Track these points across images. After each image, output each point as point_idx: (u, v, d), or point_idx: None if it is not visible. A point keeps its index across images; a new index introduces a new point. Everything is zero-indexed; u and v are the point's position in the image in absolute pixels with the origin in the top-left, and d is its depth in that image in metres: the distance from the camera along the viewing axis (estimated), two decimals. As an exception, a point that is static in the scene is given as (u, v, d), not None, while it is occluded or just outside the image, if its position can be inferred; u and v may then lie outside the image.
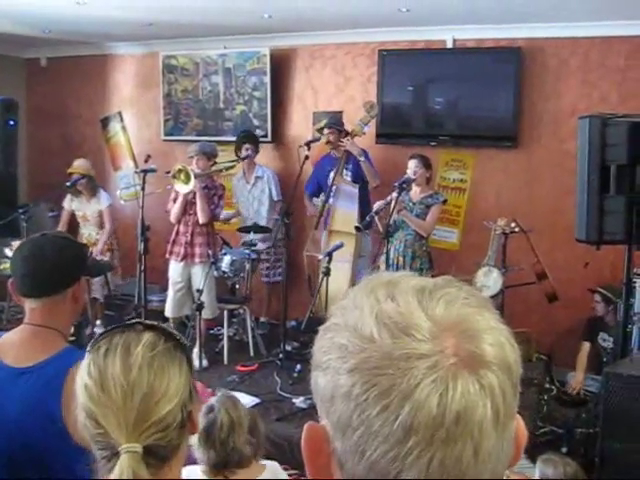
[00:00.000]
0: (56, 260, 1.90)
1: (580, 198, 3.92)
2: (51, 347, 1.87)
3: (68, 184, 6.23)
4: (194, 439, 2.39)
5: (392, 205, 5.21)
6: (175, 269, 5.92)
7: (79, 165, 6.48)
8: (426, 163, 5.58)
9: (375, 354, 0.61)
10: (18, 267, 1.90)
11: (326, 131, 6.22)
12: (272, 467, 2.67)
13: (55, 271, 1.90)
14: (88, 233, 6.54)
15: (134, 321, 1.29)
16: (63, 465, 1.80)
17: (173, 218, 5.84)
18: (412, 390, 0.59)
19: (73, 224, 6.65)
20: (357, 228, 5.56)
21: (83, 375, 1.20)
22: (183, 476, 1.30)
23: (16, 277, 1.90)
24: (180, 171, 5.52)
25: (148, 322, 1.29)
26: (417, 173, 5.48)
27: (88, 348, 1.24)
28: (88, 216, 6.54)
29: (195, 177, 5.49)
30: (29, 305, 1.90)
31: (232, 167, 6.41)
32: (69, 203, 6.60)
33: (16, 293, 1.92)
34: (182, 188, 5.55)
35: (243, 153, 6.51)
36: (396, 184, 5.24)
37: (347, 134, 6.08)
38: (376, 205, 5.36)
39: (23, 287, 1.90)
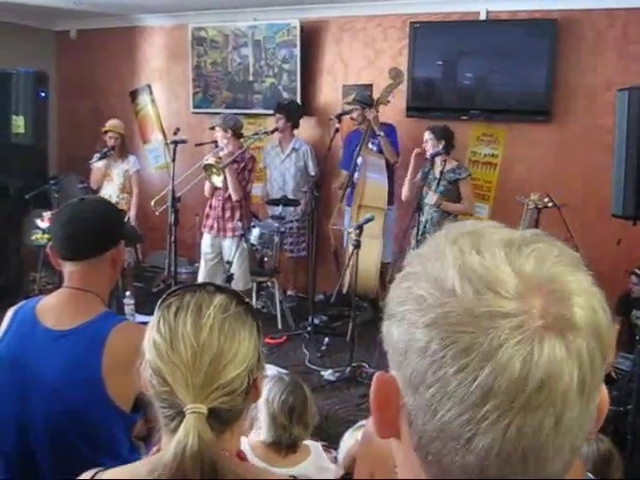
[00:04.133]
0: (96, 223, 1.91)
1: (617, 172, 3.83)
2: (90, 310, 1.88)
3: (96, 157, 6.24)
4: (262, 415, 2.46)
5: (422, 176, 5.19)
6: (206, 240, 6.00)
7: (116, 124, 6.46)
8: (439, 134, 5.49)
9: (456, 309, 0.58)
10: (58, 230, 1.91)
11: (351, 107, 6.15)
12: (316, 450, 2.66)
13: (95, 234, 1.91)
14: (109, 194, 6.31)
15: (204, 282, 1.28)
16: (105, 429, 1.82)
17: (206, 192, 5.92)
18: (494, 351, 0.55)
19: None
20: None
21: (152, 331, 1.19)
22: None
23: (56, 240, 1.91)
24: (207, 168, 5.55)
25: (219, 284, 1.28)
26: (427, 144, 5.45)
27: (157, 304, 1.23)
28: (113, 176, 6.43)
29: (223, 170, 5.53)
30: (68, 269, 1.91)
31: (256, 140, 6.36)
32: (96, 162, 6.40)
33: (55, 257, 1.93)
34: (217, 180, 5.62)
35: (275, 124, 6.46)
36: (428, 156, 5.21)
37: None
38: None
39: (63, 250, 1.90)
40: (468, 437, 0.57)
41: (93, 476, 1.24)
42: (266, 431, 2.48)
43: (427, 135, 5.52)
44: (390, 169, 6.02)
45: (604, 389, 0.63)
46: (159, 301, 1.23)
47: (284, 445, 2.47)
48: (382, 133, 5.88)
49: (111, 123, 6.47)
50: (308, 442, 2.66)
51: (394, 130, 6.13)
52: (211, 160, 5.63)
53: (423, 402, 0.59)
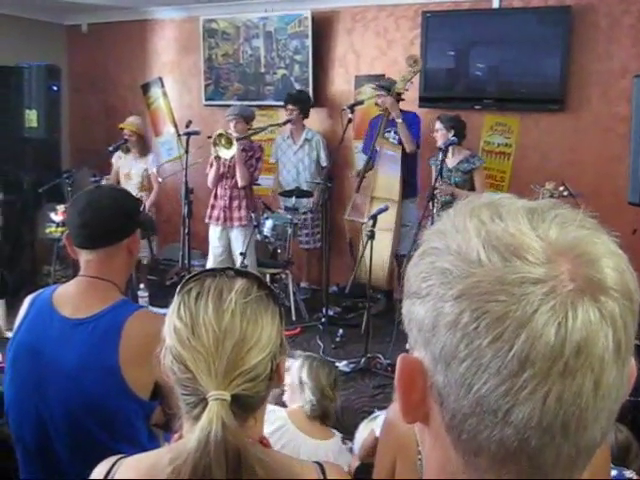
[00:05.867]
0: (112, 211, 1.90)
1: (635, 159, 3.80)
2: (107, 298, 1.87)
3: (111, 148, 6.24)
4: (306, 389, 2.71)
5: (437, 167, 5.16)
6: (214, 233, 5.96)
7: (131, 122, 6.44)
8: (447, 123, 5.44)
9: (485, 278, 0.56)
10: (74, 219, 1.90)
11: (375, 93, 6.04)
12: (338, 435, 2.82)
13: (111, 222, 1.90)
14: None
15: (225, 267, 1.25)
16: (123, 417, 1.81)
17: (210, 183, 5.87)
18: (528, 318, 0.54)
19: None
20: None
21: (172, 317, 1.16)
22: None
23: (72, 229, 1.91)
24: (220, 136, 5.51)
25: (240, 269, 1.25)
26: (437, 134, 5.44)
27: (177, 289, 1.20)
28: (132, 175, 6.40)
29: (237, 140, 5.47)
30: (85, 257, 1.91)
31: (260, 132, 6.33)
32: (116, 160, 6.46)
33: (71, 245, 1.92)
34: (225, 153, 5.54)
35: (287, 115, 6.43)
36: (442, 146, 5.17)
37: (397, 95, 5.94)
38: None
39: (79, 238, 1.89)
40: (507, 409, 0.55)
41: (115, 462, 1.22)
42: (311, 403, 2.68)
43: (437, 125, 5.49)
44: (412, 160, 5.92)
45: (632, 359, 0.62)
46: (179, 286, 1.20)
47: (327, 415, 2.72)
48: (400, 120, 5.77)
49: (128, 121, 6.46)
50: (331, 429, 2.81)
51: (416, 119, 5.99)
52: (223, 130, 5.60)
53: (456, 378, 0.58)
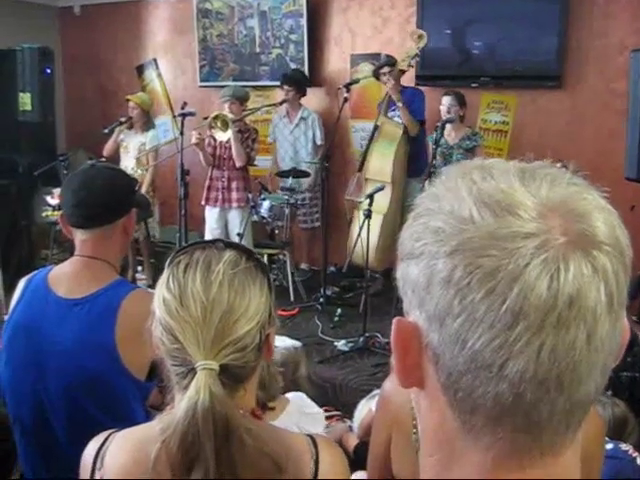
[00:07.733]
0: (107, 190, 1.89)
1: (632, 135, 3.79)
2: (102, 278, 1.87)
3: (106, 130, 6.22)
4: None
5: (433, 143, 5.14)
6: (211, 215, 5.95)
7: (139, 95, 6.50)
8: (461, 100, 5.47)
9: (477, 234, 0.57)
10: (69, 198, 1.88)
11: (387, 69, 5.77)
12: (296, 400, 2.61)
13: (106, 201, 1.89)
14: (124, 166, 6.05)
15: (214, 239, 1.25)
16: (120, 397, 1.81)
17: (204, 161, 5.86)
18: (521, 271, 0.54)
19: (115, 156, 6.41)
20: None
21: (162, 289, 1.17)
22: None
23: (67, 208, 1.89)
24: (216, 118, 5.50)
25: (229, 241, 1.26)
26: (451, 110, 5.40)
27: (167, 262, 1.21)
28: (129, 148, 6.37)
29: (233, 122, 5.46)
30: (80, 237, 1.90)
31: (266, 110, 6.29)
32: (109, 130, 6.36)
33: (66, 225, 1.91)
34: (221, 136, 5.54)
35: (283, 96, 6.39)
36: (438, 123, 5.15)
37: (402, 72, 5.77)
38: None
39: (74, 218, 1.88)
40: (501, 363, 0.56)
41: (107, 437, 1.23)
42: None
43: (448, 100, 5.44)
44: (416, 138, 5.77)
45: (625, 318, 0.62)
46: (169, 259, 1.21)
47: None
48: (401, 104, 5.65)
49: (136, 94, 6.51)
50: (290, 394, 2.62)
51: (419, 94, 5.87)
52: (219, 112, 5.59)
53: (450, 334, 0.58)
